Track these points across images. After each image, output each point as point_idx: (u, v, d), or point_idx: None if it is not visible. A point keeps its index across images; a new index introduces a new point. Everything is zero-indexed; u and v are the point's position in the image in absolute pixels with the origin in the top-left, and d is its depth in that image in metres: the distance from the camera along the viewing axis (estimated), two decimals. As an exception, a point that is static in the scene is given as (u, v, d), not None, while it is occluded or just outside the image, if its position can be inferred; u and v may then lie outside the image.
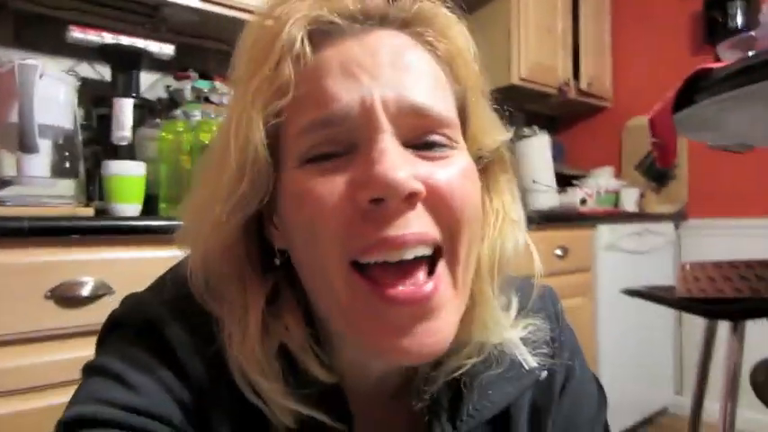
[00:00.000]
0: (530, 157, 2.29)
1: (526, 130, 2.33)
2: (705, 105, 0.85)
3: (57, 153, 1.19)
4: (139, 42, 1.40)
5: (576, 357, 0.54)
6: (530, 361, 0.47)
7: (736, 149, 1.21)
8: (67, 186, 1.17)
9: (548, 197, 2.26)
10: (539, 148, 2.30)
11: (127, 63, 1.43)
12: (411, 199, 0.37)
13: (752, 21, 2.31)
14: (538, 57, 2.45)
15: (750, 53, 0.79)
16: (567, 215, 2.16)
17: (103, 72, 1.62)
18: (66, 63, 1.58)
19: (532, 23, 2.44)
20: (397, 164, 0.37)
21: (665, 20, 2.67)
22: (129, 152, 1.32)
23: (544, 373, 0.49)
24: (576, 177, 2.55)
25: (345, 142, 0.39)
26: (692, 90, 0.85)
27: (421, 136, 0.40)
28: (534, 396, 0.50)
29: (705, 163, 2.45)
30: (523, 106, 2.76)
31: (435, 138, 0.40)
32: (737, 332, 1.20)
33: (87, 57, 1.59)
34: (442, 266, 0.40)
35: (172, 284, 0.44)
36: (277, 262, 0.44)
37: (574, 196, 2.32)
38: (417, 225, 0.38)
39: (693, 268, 1.17)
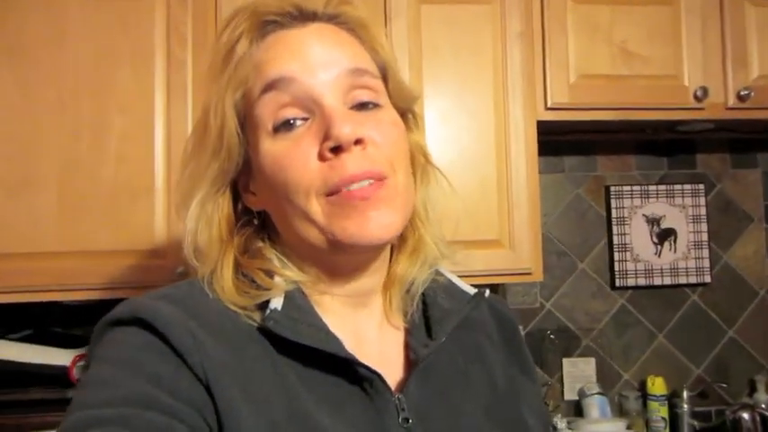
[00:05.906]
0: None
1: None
2: None
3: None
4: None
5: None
6: (466, 287, 0.63)
7: None
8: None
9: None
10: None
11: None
12: (361, 143, 0.51)
13: None
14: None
15: None
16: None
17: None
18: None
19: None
20: (344, 120, 0.50)
21: None
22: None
23: (474, 290, 0.63)
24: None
25: (302, 107, 0.52)
26: None
27: (356, 95, 0.54)
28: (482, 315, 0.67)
29: None
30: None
31: (365, 96, 0.54)
32: None
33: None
34: (386, 182, 0.53)
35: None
36: (255, 222, 0.58)
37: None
38: (366, 164, 0.51)
39: None
